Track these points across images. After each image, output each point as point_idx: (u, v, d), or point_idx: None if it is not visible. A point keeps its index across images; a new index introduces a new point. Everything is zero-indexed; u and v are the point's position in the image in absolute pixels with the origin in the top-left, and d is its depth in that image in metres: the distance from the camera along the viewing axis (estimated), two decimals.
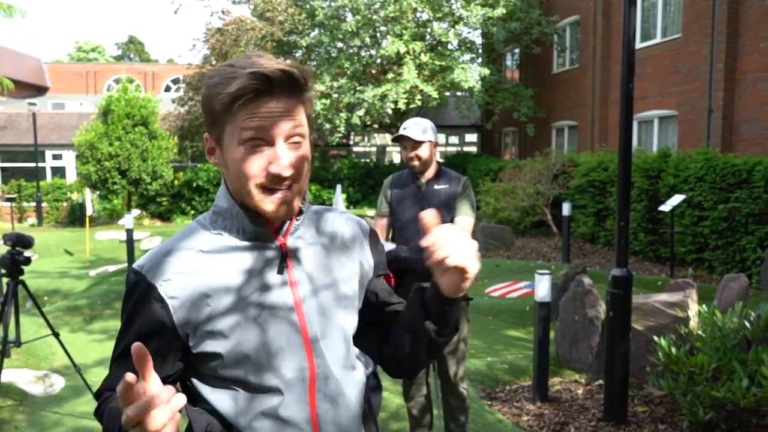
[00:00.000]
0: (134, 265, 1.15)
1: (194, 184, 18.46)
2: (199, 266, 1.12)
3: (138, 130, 16.61)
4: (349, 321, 1.24)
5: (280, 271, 1.16)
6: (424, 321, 1.16)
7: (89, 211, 12.66)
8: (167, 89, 33.34)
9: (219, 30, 18.52)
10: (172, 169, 17.76)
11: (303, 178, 1.12)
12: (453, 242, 1.04)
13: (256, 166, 1.08)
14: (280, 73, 1.07)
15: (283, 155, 1.08)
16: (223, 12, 19.00)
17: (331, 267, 1.21)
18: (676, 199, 8.60)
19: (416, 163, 3.26)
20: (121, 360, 1.12)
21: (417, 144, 3.22)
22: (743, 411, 3.71)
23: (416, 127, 3.24)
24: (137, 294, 1.12)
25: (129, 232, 9.06)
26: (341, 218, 1.30)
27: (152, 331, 1.10)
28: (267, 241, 1.16)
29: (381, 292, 1.31)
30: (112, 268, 11.22)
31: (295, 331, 1.15)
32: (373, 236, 1.33)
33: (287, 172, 1.08)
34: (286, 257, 1.17)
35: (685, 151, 9.78)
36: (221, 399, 1.14)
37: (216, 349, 1.11)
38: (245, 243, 1.16)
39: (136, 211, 14.44)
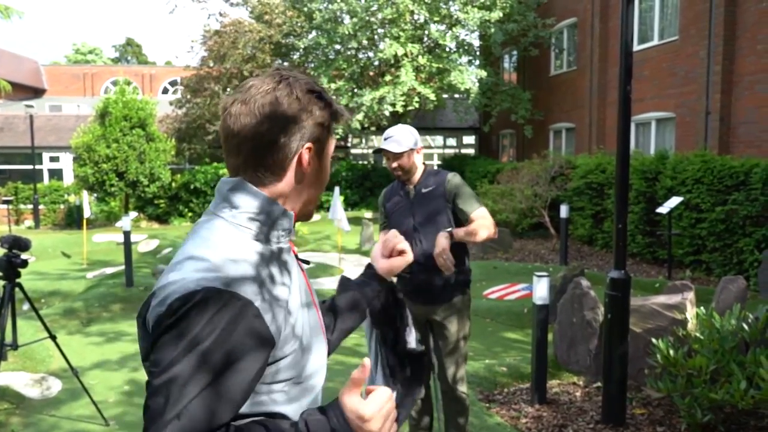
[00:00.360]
0: (214, 285, 1.01)
1: (192, 186, 18.44)
2: (265, 275, 1.09)
3: (135, 132, 16.61)
4: None
5: (301, 270, 1.26)
6: (361, 301, 1.46)
7: (87, 213, 12.63)
8: (165, 91, 33.32)
9: (217, 32, 18.52)
10: (170, 171, 17.77)
11: None
12: (399, 237, 1.49)
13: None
14: None
15: None
16: (220, 14, 19.00)
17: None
18: (674, 201, 8.61)
19: (399, 173, 3.28)
20: (221, 387, 0.98)
21: (398, 155, 3.22)
22: (741, 413, 3.71)
23: (395, 138, 3.22)
24: (231, 314, 1.00)
25: (126, 234, 9.03)
26: None
27: (254, 349, 1.02)
28: (285, 245, 1.20)
29: None
30: (109, 271, 11.20)
31: (318, 321, 1.27)
32: None
33: None
34: (297, 258, 1.27)
35: (682, 154, 9.80)
36: (274, 401, 1.12)
37: (288, 352, 1.12)
38: (276, 247, 1.16)
39: (133, 214, 14.43)
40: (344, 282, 1.50)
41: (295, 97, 1.14)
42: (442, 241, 3.01)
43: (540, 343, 4.36)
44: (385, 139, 3.23)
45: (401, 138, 3.22)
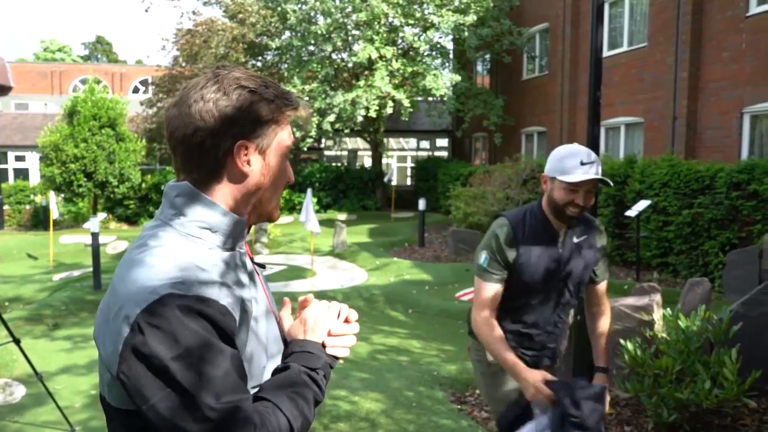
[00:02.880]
0: (174, 290, 0.98)
1: (162, 187, 18.19)
2: (223, 280, 1.05)
3: (105, 131, 16.33)
4: None
5: (253, 278, 1.17)
6: None
7: (55, 215, 12.37)
8: (135, 90, 32.85)
9: (189, 31, 18.32)
10: (140, 171, 17.51)
11: None
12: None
13: (288, 176, 1.20)
14: None
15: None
16: (193, 13, 18.81)
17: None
18: (642, 204, 8.77)
19: (576, 211, 2.29)
20: (242, 387, 1.01)
21: (592, 187, 2.28)
22: (705, 412, 3.79)
23: (599, 165, 2.29)
24: (214, 317, 0.99)
25: (95, 236, 8.88)
26: None
27: (232, 339, 1.03)
28: (240, 250, 1.16)
29: None
30: (77, 273, 10.99)
31: (280, 332, 1.20)
32: None
33: (292, 180, 1.23)
34: (253, 262, 1.22)
35: (650, 158, 10.00)
36: None
37: (248, 356, 1.10)
38: (231, 254, 1.12)
39: (102, 215, 14.14)
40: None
41: (222, 94, 1.08)
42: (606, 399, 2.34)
43: None
44: (584, 164, 2.24)
45: (598, 161, 2.31)
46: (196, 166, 1.11)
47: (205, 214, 1.10)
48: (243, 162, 1.10)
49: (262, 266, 1.26)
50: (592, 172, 2.23)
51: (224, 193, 1.12)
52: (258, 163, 1.13)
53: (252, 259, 1.21)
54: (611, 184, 2.35)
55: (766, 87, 9.40)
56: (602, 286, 2.57)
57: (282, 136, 1.16)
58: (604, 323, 2.60)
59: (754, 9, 9.65)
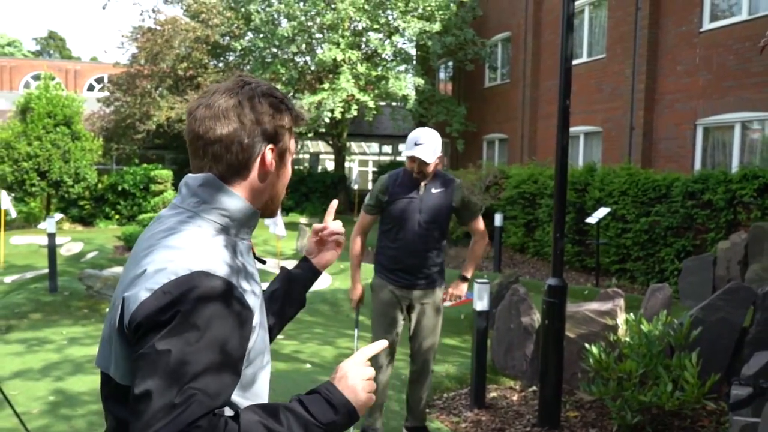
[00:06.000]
0: (204, 269, 1.05)
1: (119, 188, 17.73)
2: (238, 264, 1.15)
3: (60, 130, 15.86)
4: None
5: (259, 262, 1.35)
6: (300, 291, 1.55)
7: (12, 214, 11.93)
8: (90, 88, 32.03)
9: (150, 29, 17.94)
10: (96, 171, 17.05)
11: None
12: (340, 227, 1.59)
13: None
14: None
15: None
16: (153, 11, 18.43)
17: None
18: (602, 212, 9.00)
19: (419, 175, 3.47)
20: (228, 369, 1.03)
21: (426, 164, 3.39)
22: (667, 414, 3.92)
23: (427, 147, 3.35)
24: (225, 299, 1.05)
25: (51, 236, 8.60)
26: None
27: (249, 333, 1.11)
28: (247, 242, 1.27)
29: None
30: (29, 275, 10.62)
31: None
32: None
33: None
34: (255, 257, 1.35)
35: (609, 166, 10.27)
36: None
37: (250, 345, 1.15)
38: (242, 243, 1.23)
39: (58, 215, 13.68)
40: (285, 274, 1.58)
41: (257, 101, 1.20)
42: (461, 288, 3.84)
43: (480, 349, 4.46)
44: (416, 144, 3.36)
45: (432, 147, 3.38)
46: (226, 163, 1.19)
47: (227, 202, 1.19)
48: (270, 164, 1.23)
49: (262, 261, 1.36)
50: (418, 152, 3.36)
51: (245, 188, 1.22)
52: (277, 164, 1.26)
53: (254, 254, 1.31)
54: (428, 161, 3.37)
55: (717, 100, 9.77)
56: (472, 227, 3.74)
57: (291, 143, 1.31)
58: (475, 246, 3.81)
59: (707, 25, 10.03)
